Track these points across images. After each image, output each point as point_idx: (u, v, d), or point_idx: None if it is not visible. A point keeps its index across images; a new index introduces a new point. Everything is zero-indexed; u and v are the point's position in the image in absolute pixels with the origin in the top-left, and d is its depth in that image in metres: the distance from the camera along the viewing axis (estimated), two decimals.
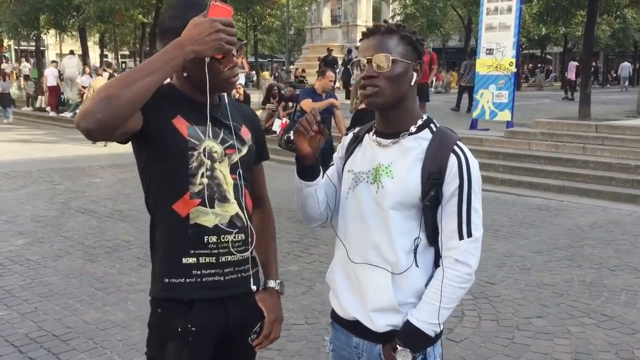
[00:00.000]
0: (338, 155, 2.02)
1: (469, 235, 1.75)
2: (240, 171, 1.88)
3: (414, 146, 1.79)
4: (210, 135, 1.82)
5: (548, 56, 51.33)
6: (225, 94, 1.97)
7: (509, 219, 7.71)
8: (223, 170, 1.84)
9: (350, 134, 2.01)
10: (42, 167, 11.24)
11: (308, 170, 1.87)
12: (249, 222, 1.91)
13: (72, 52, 23.24)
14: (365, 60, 1.77)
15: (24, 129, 17.94)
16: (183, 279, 1.81)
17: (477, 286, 5.12)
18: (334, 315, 1.95)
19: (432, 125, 1.84)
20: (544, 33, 31.81)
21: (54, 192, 9.05)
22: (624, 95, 26.14)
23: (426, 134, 1.81)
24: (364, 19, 33.49)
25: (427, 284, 1.79)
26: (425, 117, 1.85)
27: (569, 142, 10.72)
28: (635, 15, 33.03)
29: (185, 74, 1.80)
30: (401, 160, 1.79)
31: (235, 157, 1.88)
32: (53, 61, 23.31)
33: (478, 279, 5.27)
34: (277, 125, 13.71)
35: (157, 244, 1.87)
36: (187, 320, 1.81)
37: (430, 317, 1.74)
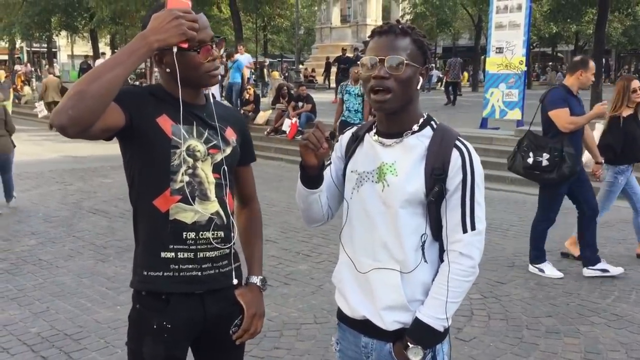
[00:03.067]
0: (336, 154, 2.02)
1: (473, 228, 1.77)
2: (225, 169, 1.93)
3: (417, 144, 1.81)
4: (194, 134, 1.87)
5: (559, 54, 51.03)
6: (211, 94, 2.01)
7: (520, 218, 7.69)
8: (205, 169, 1.89)
9: (349, 133, 2.02)
10: (54, 167, 11.34)
11: (313, 179, 1.88)
12: (231, 219, 1.95)
13: (103, 54, 23.53)
14: (377, 60, 1.75)
15: (36, 130, 18.07)
16: (161, 273, 1.87)
17: (486, 285, 5.12)
18: (341, 315, 1.96)
19: (432, 122, 1.86)
20: (554, 31, 31.65)
21: (65, 193, 9.13)
22: None
23: (427, 132, 1.83)
24: (374, 18, 33.47)
25: (433, 279, 1.80)
26: (425, 116, 1.87)
27: None
28: None
29: (168, 70, 1.84)
30: (405, 158, 1.81)
31: (219, 157, 1.92)
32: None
33: (488, 279, 5.28)
34: (286, 125, 13.74)
35: (139, 238, 1.92)
36: (162, 317, 1.87)
37: (438, 312, 1.75)
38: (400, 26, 1.80)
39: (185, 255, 1.87)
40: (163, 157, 1.83)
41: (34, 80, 30.74)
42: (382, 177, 1.82)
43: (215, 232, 1.90)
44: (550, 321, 4.44)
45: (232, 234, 1.97)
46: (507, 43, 12.16)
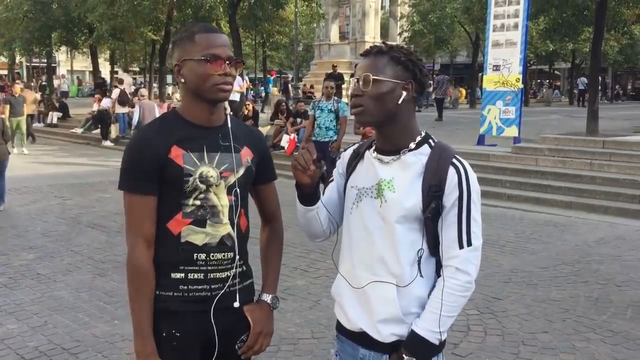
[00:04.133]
0: (338, 171, 2.08)
1: (469, 244, 1.82)
2: (238, 191, 1.98)
3: (414, 161, 1.87)
4: (205, 160, 1.92)
5: (556, 72, 51.35)
6: (229, 115, 2.05)
7: (516, 234, 7.72)
8: (218, 193, 1.94)
9: (350, 150, 2.08)
10: (53, 182, 11.37)
11: (308, 197, 1.95)
12: (243, 240, 2.01)
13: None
14: (356, 80, 1.88)
15: (35, 145, 18.11)
16: (171, 293, 1.93)
17: (483, 301, 5.14)
18: (340, 328, 2.00)
19: (430, 140, 1.92)
20: (551, 49, 31.89)
21: (64, 207, 9.15)
22: (632, 110, 26.16)
23: (425, 150, 1.89)
24: (372, 35, 33.71)
25: (429, 294, 1.85)
26: (423, 134, 1.93)
27: (576, 157, 10.73)
28: None
29: (182, 80, 1.93)
30: (402, 174, 1.86)
31: (232, 179, 1.97)
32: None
33: (484, 294, 5.30)
34: (285, 141, 13.82)
35: (155, 259, 1.95)
36: (171, 325, 1.93)
37: (434, 325, 1.80)
38: (377, 47, 1.89)
39: (196, 276, 1.93)
40: (177, 185, 1.90)
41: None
42: (380, 193, 1.87)
43: (226, 253, 1.96)
44: (547, 337, 4.46)
45: (244, 255, 2.02)
46: (504, 61, 12.29)
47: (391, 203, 1.84)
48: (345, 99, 23.43)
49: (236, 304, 2.01)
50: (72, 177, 12.12)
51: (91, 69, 31.67)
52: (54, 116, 21.92)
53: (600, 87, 33.57)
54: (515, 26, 12.24)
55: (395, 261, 1.84)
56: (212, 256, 1.93)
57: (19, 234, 7.47)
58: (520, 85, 12.30)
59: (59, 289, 5.45)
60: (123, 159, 1.94)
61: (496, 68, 12.42)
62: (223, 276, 1.96)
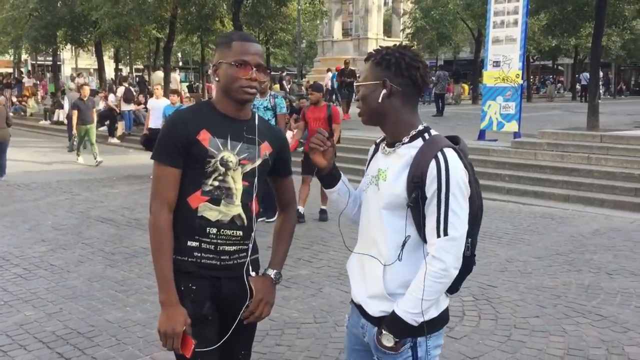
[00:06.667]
0: (368, 159, 2.30)
1: (445, 234, 1.93)
2: (254, 180, 2.26)
3: (405, 153, 2.04)
4: (228, 146, 2.22)
5: (559, 67, 51.35)
6: (256, 112, 2.35)
7: (514, 226, 7.93)
8: (235, 177, 2.23)
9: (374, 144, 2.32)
10: (61, 178, 11.61)
11: (326, 179, 2.24)
12: (252, 222, 2.28)
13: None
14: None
15: (43, 142, 18.38)
16: (186, 258, 2.23)
17: (478, 289, 5.36)
18: (351, 298, 2.24)
19: (425, 134, 2.06)
20: (554, 45, 31.97)
21: (73, 202, 9.39)
22: (634, 106, 26.27)
23: (418, 143, 2.04)
24: (375, 32, 33.88)
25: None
26: (421, 128, 2.08)
27: (574, 152, 10.91)
28: None
29: (217, 79, 2.24)
30: (394, 165, 2.05)
31: (249, 167, 2.26)
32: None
33: (480, 282, 5.52)
34: (288, 136, 14.01)
35: (174, 227, 2.24)
36: (187, 281, 2.22)
37: (410, 307, 1.94)
38: (368, 54, 2.14)
39: (207, 246, 2.22)
40: (200, 164, 2.19)
41: (39, 93, 31.18)
42: (378, 182, 2.09)
43: (235, 230, 2.23)
44: (538, 321, 4.67)
45: (252, 234, 2.29)
46: (504, 57, 12.46)
47: (382, 190, 2.04)
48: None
49: (253, 274, 2.29)
50: (80, 173, 12.37)
51: (95, 66, 31.87)
52: (60, 113, 22.14)
53: (603, 82, 33.67)
54: (515, 23, 12.40)
55: (384, 243, 2.03)
56: (222, 232, 2.22)
57: (30, 227, 7.71)
58: (520, 81, 12.46)
59: (72, 278, 5.69)
60: (160, 133, 2.25)
61: (496, 64, 12.59)
62: (231, 250, 2.24)
